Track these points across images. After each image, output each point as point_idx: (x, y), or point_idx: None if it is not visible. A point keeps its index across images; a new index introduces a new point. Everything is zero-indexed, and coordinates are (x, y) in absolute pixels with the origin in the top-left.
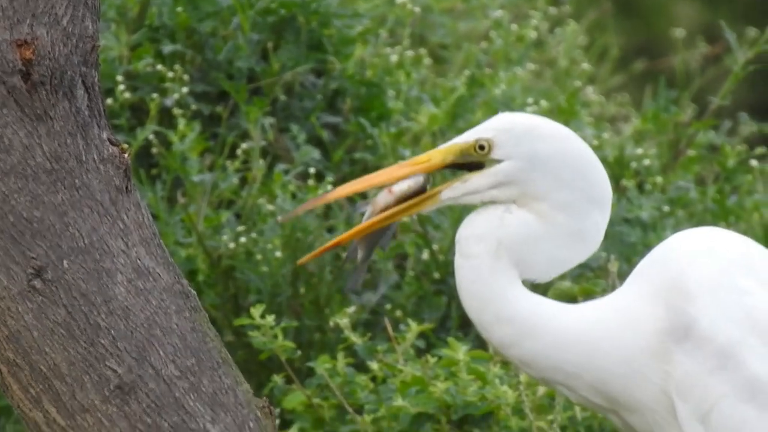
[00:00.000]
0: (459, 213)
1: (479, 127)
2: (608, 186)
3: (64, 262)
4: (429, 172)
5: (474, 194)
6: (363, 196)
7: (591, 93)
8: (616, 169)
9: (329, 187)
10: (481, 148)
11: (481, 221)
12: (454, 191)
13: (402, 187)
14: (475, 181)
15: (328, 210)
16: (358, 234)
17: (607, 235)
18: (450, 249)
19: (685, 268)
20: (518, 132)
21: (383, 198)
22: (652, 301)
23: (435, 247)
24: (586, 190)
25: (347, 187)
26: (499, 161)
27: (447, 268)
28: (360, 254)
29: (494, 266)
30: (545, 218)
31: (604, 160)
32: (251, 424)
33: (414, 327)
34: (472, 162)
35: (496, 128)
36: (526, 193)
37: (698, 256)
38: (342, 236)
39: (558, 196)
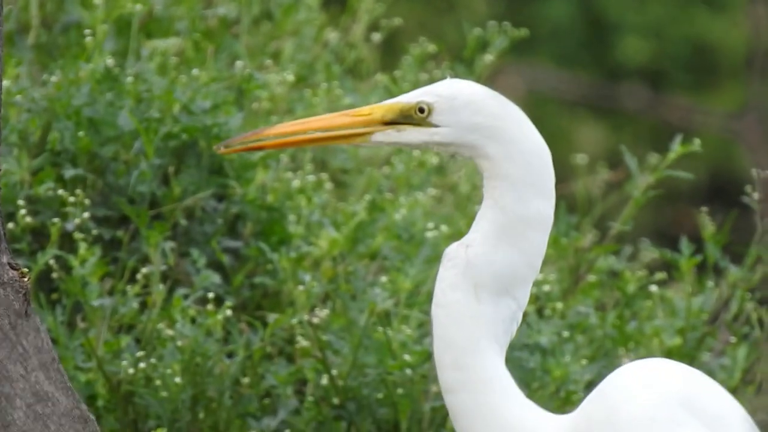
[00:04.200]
0: (359, 339)
1: (424, 89)
2: (550, 175)
3: None
4: (367, 125)
5: (404, 145)
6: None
7: None
8: None
9: (228, 312)
10: (421, 111)
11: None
12: (386, 137)
13: None
14: (410, 133)
15: (228, 335)
16: (284, 145)
17: (507, 361)
18: (349, 374)
19: (620, 402)
20: (460, 103)
21: None
22: None
23: (334, 372)
24: (527, 173)
25: (288, 127)
26: (437, 126)
27: (347, 394)
28: None
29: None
30: (498, 200)
31: None
32: None
33: None
34: (412, 123)
35: (440, 94)
36: (478, 155)
37: (634, 390)
38: (269, 143)
39: (509, 168)
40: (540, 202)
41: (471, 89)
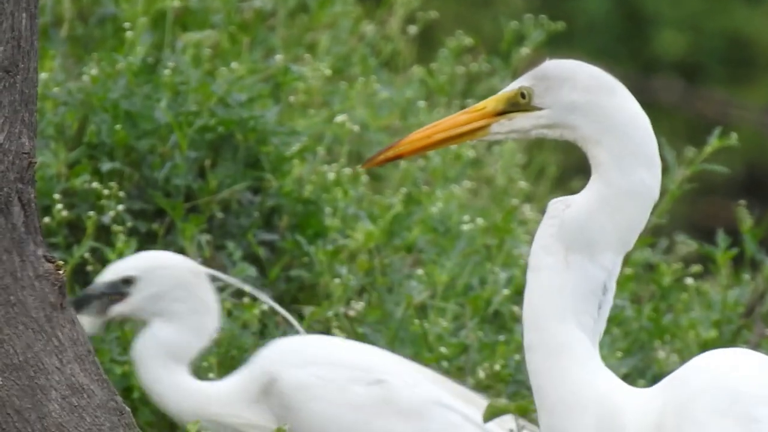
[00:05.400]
0: (395, 331)
1: (527, 74)
2: (652, 142)
3: None
4: (485, 118)
5: (519, 132)
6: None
7: (528, 211)
8: None
9: (264, 305)
10: (523, 96)
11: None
12: (501, 127)
13: None
14: (519, 120)
15: (264, 328)
16: (419, 149)
17: None
18: None
19: (698, 392)
20: (554, 82)
21: None
22: (658, 416)
23: None
24: (627, 144)
25: (419, 133)
26: (540, 108)
27: None
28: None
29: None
30: (602, 174)
31: None
32: None
33: None
34: (520, 109)
35: (535, 77)
36: (579, 137)
37: (713, 381)
38: (406, 150)
39: (609, 143)
40: (644, 172)
41: (563, 67)
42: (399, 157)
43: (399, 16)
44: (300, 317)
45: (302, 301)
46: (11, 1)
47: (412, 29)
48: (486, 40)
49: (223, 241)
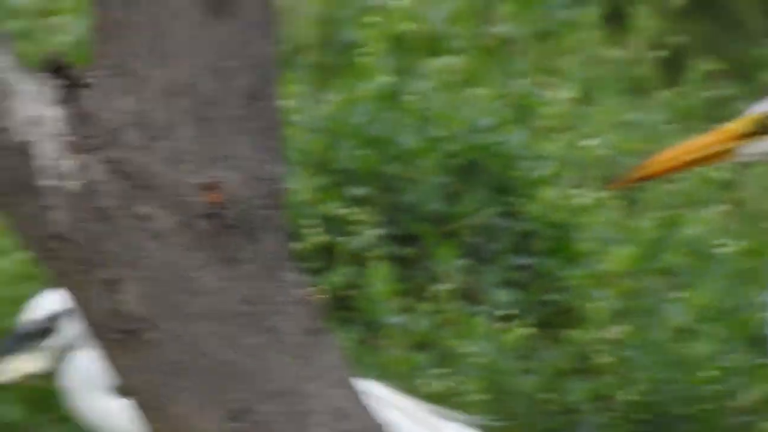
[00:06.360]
0: (659, 354)
1: None
2: None
3: (259, 405)
4: (732, 140)
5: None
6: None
7: None
8: None
9: (529, 329)
10: None
11: None
12: (748, 149)
13: None
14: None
15: (524, 352)
16: (667, 171)
17: None
18: (651, 390)
19: None
20: None
21: None
22: None
23: (640, 387)
24: None
25: (667, 154)
26: None
27: (650, 409)
28: None
29: None
30: None
31: None
32: None
33: None
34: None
35: None
36: None
37: None
38: (650, 170)
39: None
40: None
41: None
42: (647, 178)
43: (645, 38)
44: (556, 341)
45: (556, 325)
46: (255, 30)
47: (659, 53)
48: (733, 63)
49: (478, 265)
